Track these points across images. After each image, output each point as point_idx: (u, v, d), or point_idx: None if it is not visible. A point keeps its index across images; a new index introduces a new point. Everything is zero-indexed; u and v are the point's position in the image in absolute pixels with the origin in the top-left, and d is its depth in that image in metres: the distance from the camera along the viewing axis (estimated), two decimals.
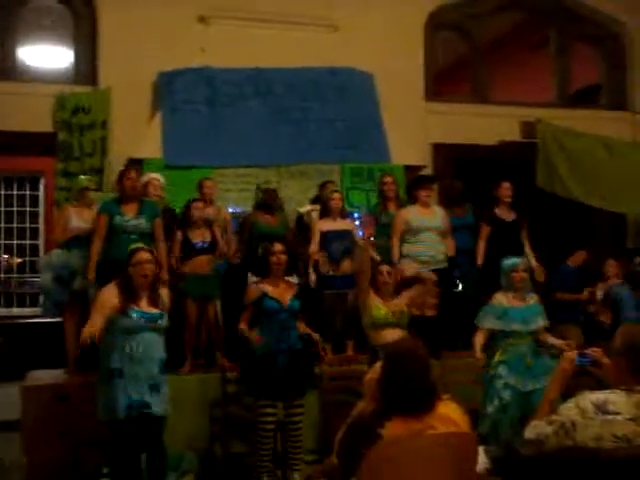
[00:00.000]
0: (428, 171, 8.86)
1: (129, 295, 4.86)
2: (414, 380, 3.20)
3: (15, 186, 11.08)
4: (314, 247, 7.05)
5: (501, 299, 5.84)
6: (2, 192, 11.05)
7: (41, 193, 11.07)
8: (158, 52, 8.21)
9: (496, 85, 10.01)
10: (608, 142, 9.51)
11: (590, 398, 2.97)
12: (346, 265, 7.03)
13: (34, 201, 11.11)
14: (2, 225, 11.04)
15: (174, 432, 5.32)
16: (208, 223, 6.86)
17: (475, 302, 6.47)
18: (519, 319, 5.72)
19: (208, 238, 6.76)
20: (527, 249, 7.38)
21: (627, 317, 7.17)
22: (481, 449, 3.44)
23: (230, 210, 7.70)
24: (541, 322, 5.83)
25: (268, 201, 7.33)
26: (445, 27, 9.80)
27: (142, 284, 4.93)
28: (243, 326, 5.74)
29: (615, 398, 2.94)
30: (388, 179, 7.63)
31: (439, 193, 8.35)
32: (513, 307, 5.78)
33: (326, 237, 7.07)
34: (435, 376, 3.34)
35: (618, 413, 2.90)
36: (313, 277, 7.00)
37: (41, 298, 7.78)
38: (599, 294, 7.94)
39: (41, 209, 11.06)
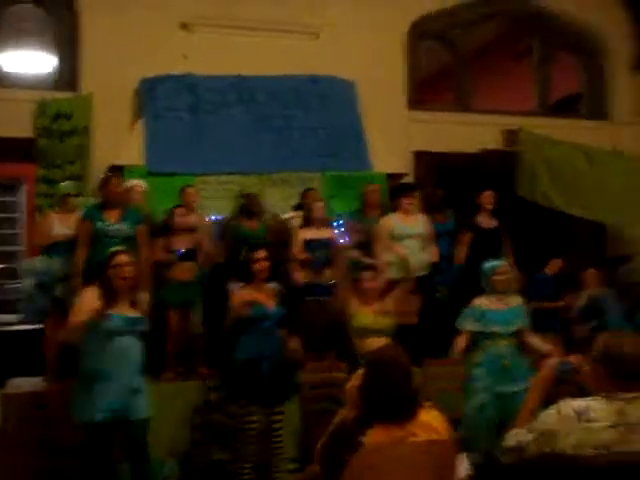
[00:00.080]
0: (410, 179, 8.88)
1: (109, 298, 4.84)
2: (396, 387, 3.20)
3: None
4: (297, 249, 7.08)
5: (482, 301, 5.87)
6: None
7: (22, 199, 10.99)
8: (140, 58, 8.18)
9: (478, 94, 10.05)
10: (588, 151, 9.56)
11: (572, 405, 2.98)
12: (328, 273, 7.05)
13: (14, 207, 11.03)
14: None
15: (155, 439, 5.28)
16: (190, 230, 6.86)
17: (457, 308, 6.49)
18: (499, 321, 5.75)
19: (190, 245, 6.76)
20: (507, 256, 7.40)
21: (612, 325, 7.20)
22: (464, 455, 3.45)
23: (212, 218, 7.69)
24: (522, 324, 5.85)
25: (250, 206, 7.33)
26: (428, 36, 9.82)
27: (121, 287, 4.90)
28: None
29: (596, 405, 2.95)
30: (372, 187, 7.71)
31: (421, 200, 8.37)
32: (492, 309, 5.80)
33: (309, 245, 7.10)
34: (417, 383, 3.35)
35: (599, 420, 2.91)
36: (299, 275, 7.01)
37: (22, 304, 7.74)
38: (579, 303, 7.98)
39: (22, 215, 10.98)
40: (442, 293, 7.40)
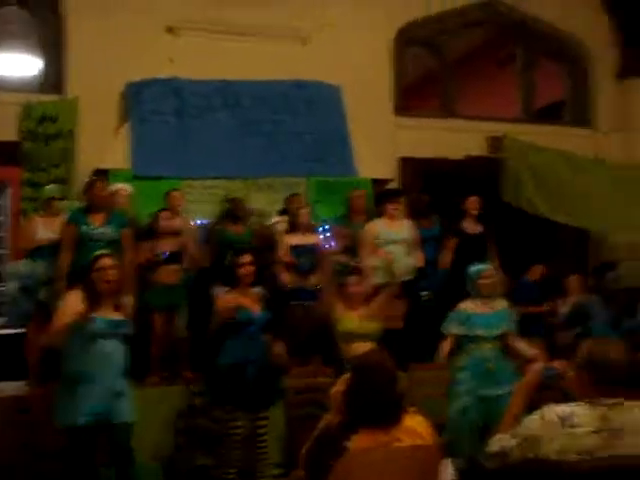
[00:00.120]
0: (396, 184, 8.90)
1: (93, 301, 4.82)
2: (381, 392, 3.20)
3: None
4: (283, 252, 7.08)
5: (467, 305, 5.88)
6: None
7: (6, 202, 10.92)
8: (126, 62, 8.16)
9: (464, 100, 10.10)
10: (572, 158, 9.62)
11: (555, 411, 2.99)
12: (313, 278, 7.06)
13: None
14: None
15: (139, 443, 5.24)
16: (175, 233, 6.85)
17: (443, 313, 6.49)
18: (483, 324, 5.76)
19: (175, 248, 6.75)
20: (492, 261, 7.42)
21: (596, 332, 7.22)
22: (448, 461, 3.45)
23: (197, 222, 7.68)
24: (506, 327, 5.86)
25: (235, 211, 7.33)
26: (414, 43, 9.86)
27: (105, 290, 4.88)
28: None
29: (580, 411, 2.96)
30: (358, 193, 7.75)
31: (406, 206, 8.39)
32: (477, 313, 5.81)
33: (294, 251, 7.11)
34: (402, 388, 3.35)
35: (582, 426, 2.92)
36: (285, 277, 7.01)
37: (6, 308, 7.71)
38: (563, 309, 8.01)
39: (6, 219, 10.92)
40: (428, 297, 7.40)
